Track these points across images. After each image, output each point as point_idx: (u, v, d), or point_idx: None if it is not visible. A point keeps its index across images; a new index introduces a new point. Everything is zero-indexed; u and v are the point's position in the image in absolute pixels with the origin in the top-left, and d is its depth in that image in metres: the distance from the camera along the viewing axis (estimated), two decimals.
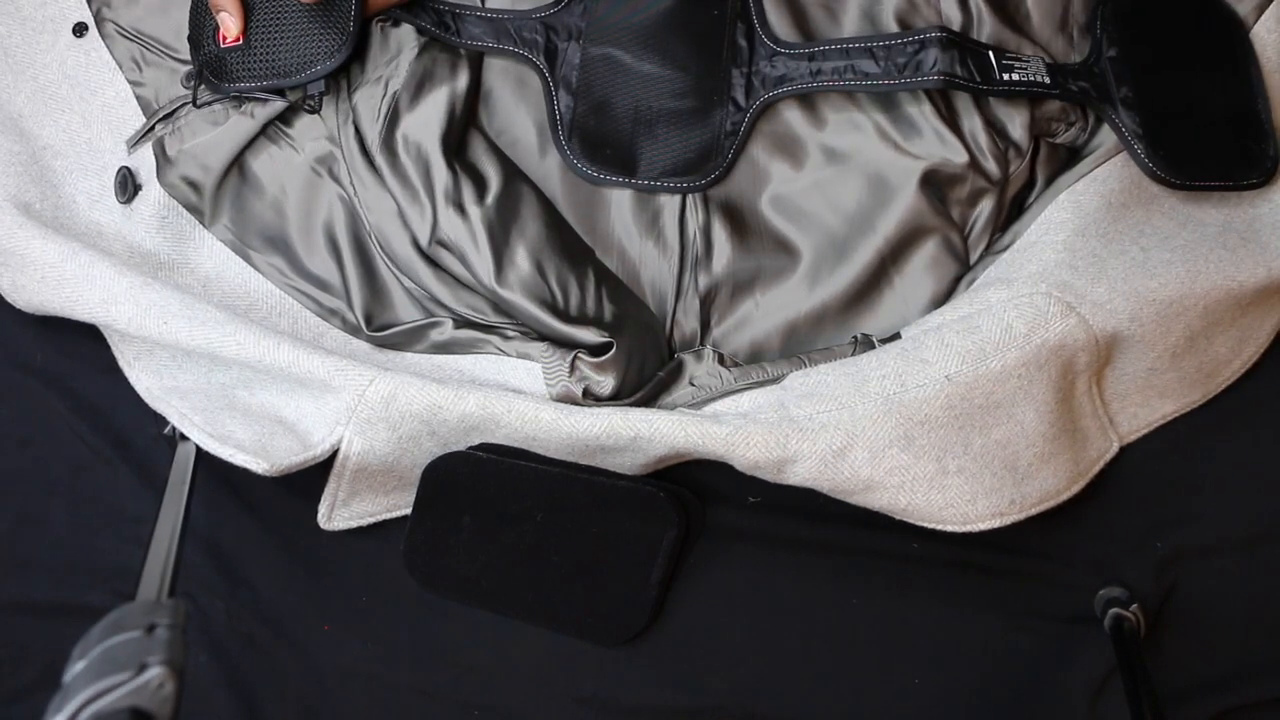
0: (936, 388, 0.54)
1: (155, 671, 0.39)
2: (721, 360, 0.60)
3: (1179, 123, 0.61)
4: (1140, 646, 0.57)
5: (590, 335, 0.57)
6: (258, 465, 0.54)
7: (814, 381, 0.57)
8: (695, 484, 0.59)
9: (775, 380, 0.58)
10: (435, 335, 0.60)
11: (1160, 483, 0.61)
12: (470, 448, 0.56)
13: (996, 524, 0.55)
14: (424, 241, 0.59)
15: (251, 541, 0.61)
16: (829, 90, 0.61)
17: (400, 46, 0.61)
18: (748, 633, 0.61)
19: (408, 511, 0.59)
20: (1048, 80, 0.60)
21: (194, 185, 0.61)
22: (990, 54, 0.61)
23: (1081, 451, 0.58)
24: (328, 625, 0.61)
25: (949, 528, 0.55)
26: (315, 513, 0.58)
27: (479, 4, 0.63)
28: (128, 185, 0.61)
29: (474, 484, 0.57)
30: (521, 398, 0.55)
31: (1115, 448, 0.60)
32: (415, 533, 0.58)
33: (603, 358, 0.57)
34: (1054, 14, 0.64)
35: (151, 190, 0.61)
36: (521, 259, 0.59)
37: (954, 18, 0.62)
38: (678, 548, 0.58)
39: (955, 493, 0.54)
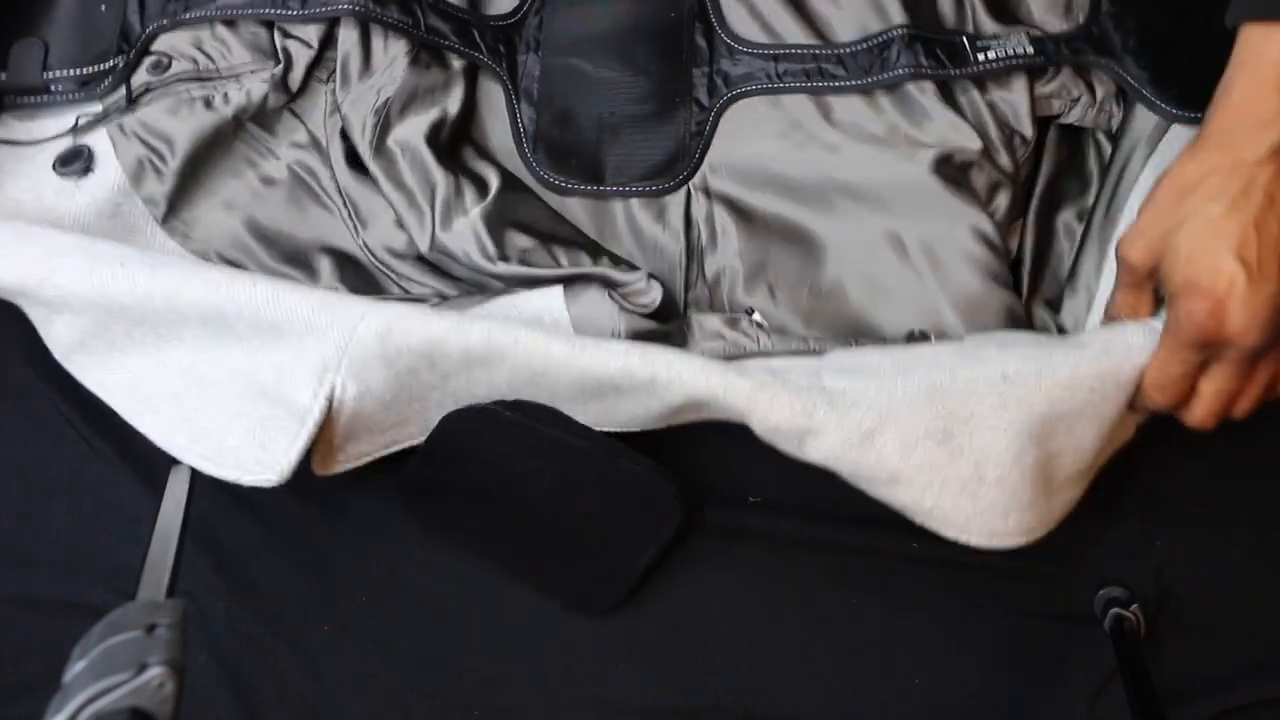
0: (989, 384, 0.48)
1: (155, 671, 0.39)
2: (761, 327, 0.58)
3: (1190, 61, 0.58)
4: (1141, 647, 0.57)
5: (614, 271, 0.57)
6: (266, 479, 0.50)
7: (856, 359, 0.52)
8: (695, 483, 0.59)
9: (815, 353, 0.55)
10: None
11: (1160, 483, 0.61)
12: (499, 404, 0.52)
13: (1023, 542, 0.50)
14: (424, 248, 0.58)
15: (251, 541, 0.61)
16: (796, 92, 0.61)
17: (395, 53, 0.60)
18: (748, 632, 0.61)
19: (406, 446, 0.55)
20: (1031, 50, 0.59)
21: (156, 170, 0.59)
22: (963, 38, 0.60)
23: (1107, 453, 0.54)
24: (328, 625, 0.61)
25: (973, 540, 0.49)
26: (315, 512, 0.58)
27: None
28: (75, 160, 0.58)
29: (492, 440, 0.54)
30: (530, 330, 0.50)
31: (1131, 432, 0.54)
32: (420, 469, 0.57)
33: (634, 275, 0.57)
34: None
35: (109, 173, 0.58)
36: (525, 241, 0.58)
37: (948, 15, 0.62)
38: (673, 541, 0.58)
39: (988, 503, 0.49)
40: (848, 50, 0.61)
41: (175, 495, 0.52)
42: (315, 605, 0.61)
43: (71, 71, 0.59)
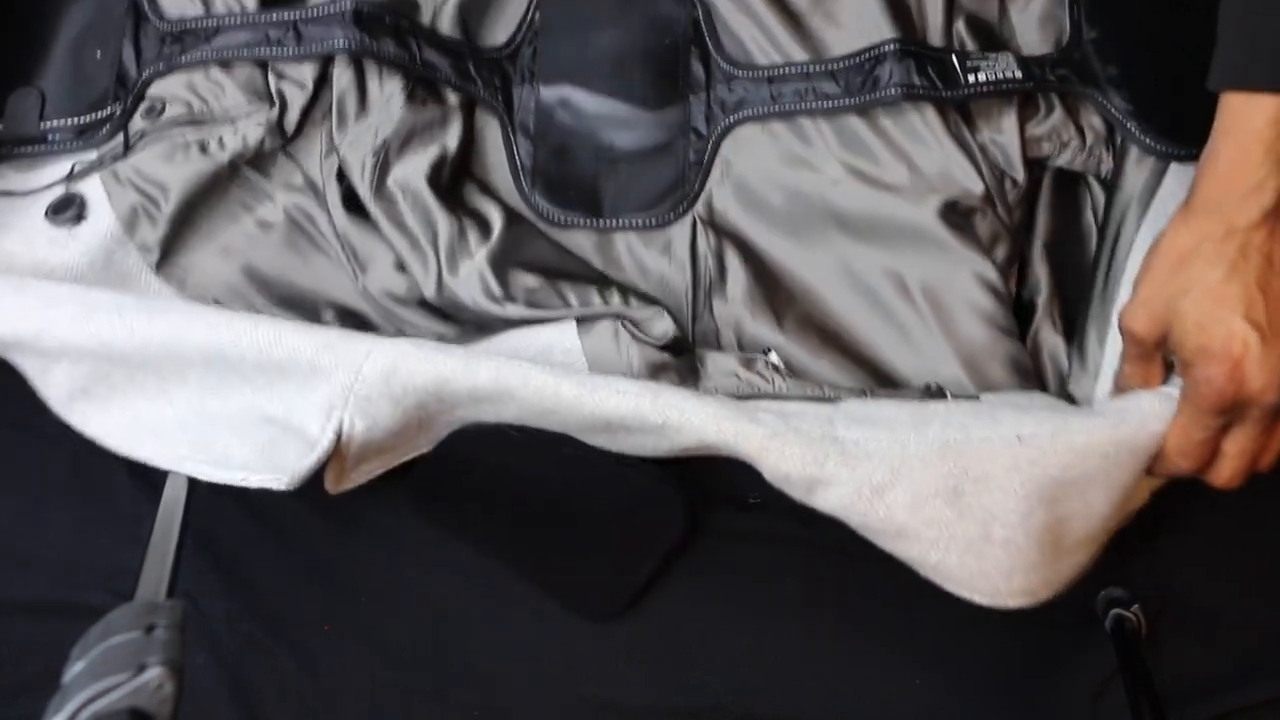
0: (1003, 444, 0.48)
1: (154, 672, 0.39)
2: (777, 369, 0.57)
3: (1174, 92, 0.57)
4: (1142, 647, 0.57)
5: (625, 309, 0.56)
6: (276, 481, 0.49)
7: (870, 410, 0.52)
8: (696, 482, 0.59)
9: (830, 400, 0.54)
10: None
11: (1163, 486, 0.61)
12: (508, 427, 0.53)
13: (1025, 603, 0.50)
14: (430, 294, 0.57)
15: (251, 541, 0.61)
16: (791, 115, 0.60)
17: (390, 91, 0.59)
18: (748, 633, 0.61)
19: (416, 454, 0.55)
20: (1019, 74, 0.59)
21: (150, 216, 0.58)
22: (952, 57, 0.59)
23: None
24: (328, 625, 0.61)
25: (976, 598, 0.49)
26: (316, 513, 0.58)
27: (436, 30, 0.61)
28: (68, 208, 0.57)
29: (499, 448, 0.54)
30: (539, 370, 0.49)
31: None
32: (428, 475, 0.56)
33: (646, 311, 0.56)
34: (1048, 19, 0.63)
35: (101, 221, 0.57)
36: (531, 280, 0.57)
37: (936, 40, 0.61)
38: (675, 547, 0.58)
39: (993, 563, 0.49)
40: (839, 65, 0.60)
41: (174, 495, 0.52)
42: (315, 605, 0.61)
43: (69, 120, 0.58)
